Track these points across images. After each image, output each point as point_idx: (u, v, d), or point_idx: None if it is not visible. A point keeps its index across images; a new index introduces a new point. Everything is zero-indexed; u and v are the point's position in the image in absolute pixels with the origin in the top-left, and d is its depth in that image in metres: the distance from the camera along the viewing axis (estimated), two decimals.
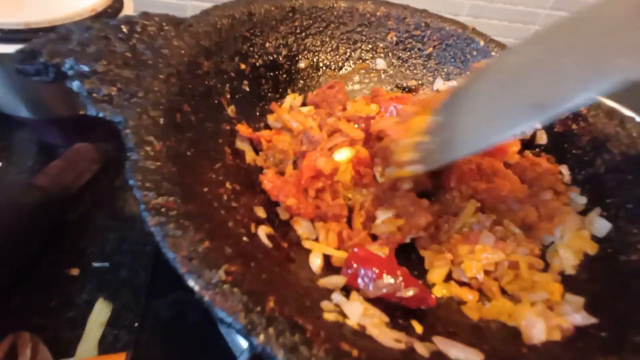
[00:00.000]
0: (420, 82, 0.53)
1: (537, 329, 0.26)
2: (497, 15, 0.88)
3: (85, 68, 0.29)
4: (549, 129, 0.46)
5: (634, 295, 0.30)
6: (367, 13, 0.50)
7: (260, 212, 0.34)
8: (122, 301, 0.39)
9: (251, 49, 0.43)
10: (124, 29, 0.33)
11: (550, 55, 0.29)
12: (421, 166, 0.34)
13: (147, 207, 0.23)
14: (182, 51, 0.35)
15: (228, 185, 0.33)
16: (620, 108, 0.43)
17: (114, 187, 0.50)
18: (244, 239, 0.29)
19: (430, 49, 0.52)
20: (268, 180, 0.35)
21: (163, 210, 0.23)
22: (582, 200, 0.39)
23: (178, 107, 0.32)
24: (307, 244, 0.34)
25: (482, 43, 0.50)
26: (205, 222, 0.25)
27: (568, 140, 0.43)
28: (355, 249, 0.31)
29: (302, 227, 0.35)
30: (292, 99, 0.46)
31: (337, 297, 0.28)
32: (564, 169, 0.42)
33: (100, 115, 0.27)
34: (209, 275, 0.21)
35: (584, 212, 0.38)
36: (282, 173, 0.39)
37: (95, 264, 0.42)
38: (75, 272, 0.41)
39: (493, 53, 0.49)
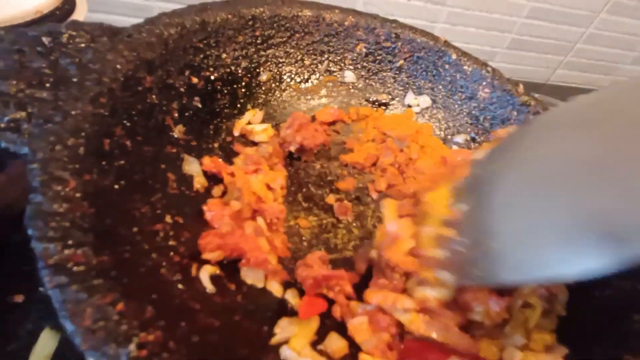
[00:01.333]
0: (391, 96, 0.50)
1: None
2: (474, 22, 0.87)
3: None
4: None
5: (610, 336, 0.27)
6: (335, 23, 0.47)
7: None
8: None
9: (205, 61, 0.39)
10: (45, 41, 0.29)
11: (612, 154, 0.20)
12: (452, 276, 0.26)
13: (46, 264, 0.19)
14: (118, 65, 0.31)
15: (168, 218, 0.29)
16: None
17: None
18: (179, 286, 0.25)
19: (401, 62, 0.49)
20: (209, 209, 0.32)
21: (68, 266, 0.19)
22: None
23: (107, 131, 0.28)
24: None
25: (454, 56, 0.47)
26: (125, 275, 0.21)
27: None
28: None
29: (246, 272, 0.31)
30: (251, 115, 0.43)
31: (286, 352, 0.25)
32: None
33: (3, 146, 0.23)
34: (116, 353, 0.17)
35: None
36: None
37: (42, 290, 0.38)
38: (18, 298, 0.36)
39: (465, 67, 0.47)
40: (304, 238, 0.37)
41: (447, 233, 0.27)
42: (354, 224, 0.39)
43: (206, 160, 0.36)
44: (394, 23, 0.48)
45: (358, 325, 0.28)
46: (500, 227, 0.24)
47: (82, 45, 0.30)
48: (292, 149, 0.42)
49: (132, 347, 0.18)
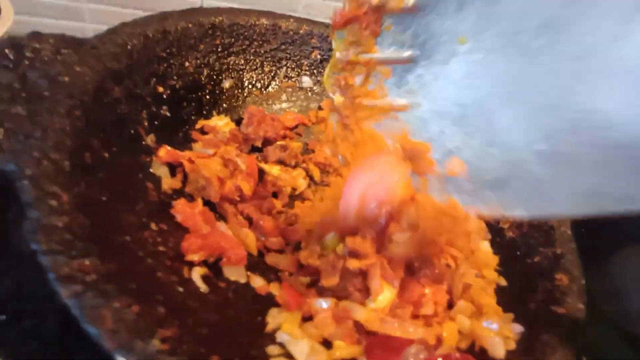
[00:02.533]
0: None
1: (499, 346, 0.29)
2: None
3: None
4: None
5: (540, 294, 0.34)
6: (290, 31, 0.50)
7: None
8: None
9: (169, 69, 0.40)
10: (10, 54, 0.28)
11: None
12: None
13: (57, 276, 0.20)
14: (86, 77, 0.31)
15: (153, 226, 0.30)
16: None
17: (7, 220, 0.42)
18: (178, 288, 0.26)
19: None
20: (177, 211, 0.33)
21: (78, 276, 0.20)
22: None
23: (86, 144, 0.28)
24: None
25: None
26: (131, 280, 0.23)
27: None
28: None
29: (228, 270, 0.32)
30: (218, 119, 0.44)
31: (282, 336, 0.28)
32: None
33: None
34: (142, 348, 0.19)
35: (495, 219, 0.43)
36: (207, 202, 0.36)
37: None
38: None
39: None
40: None
41: None
42: None
43: (161, 152, 0.36)
44: None
45: (322, 321, 0.29)
46: None
47: (47, 57, 0.30)
48: (258, 143, 0.44)
49: (155, 341, 0.19)
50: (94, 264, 0.21)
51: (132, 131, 0.34)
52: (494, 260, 0.38)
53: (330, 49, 0.52)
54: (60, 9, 0.66)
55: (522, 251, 0.39)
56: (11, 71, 0.27)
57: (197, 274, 0.29)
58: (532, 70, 0.23)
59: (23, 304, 0.36)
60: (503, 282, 0.37)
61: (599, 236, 0.41)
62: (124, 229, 0.27)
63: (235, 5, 0.63)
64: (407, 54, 0.28)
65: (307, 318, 0.30)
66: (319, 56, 0.52)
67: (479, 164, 0.27)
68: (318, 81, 0.53)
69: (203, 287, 0.29)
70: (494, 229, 0.42)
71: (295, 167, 0.45)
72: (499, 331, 0.29)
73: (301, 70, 0.52)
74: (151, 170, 0.35)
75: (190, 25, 0.42)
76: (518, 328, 0.30)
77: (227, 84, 0.46)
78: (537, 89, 0.24)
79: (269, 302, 0.31)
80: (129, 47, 0.36)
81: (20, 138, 0.24)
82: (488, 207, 0.27)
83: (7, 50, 0.28)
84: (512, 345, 0.29)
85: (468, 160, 0.27)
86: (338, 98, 0.30)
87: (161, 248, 0.29)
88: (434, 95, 0.28)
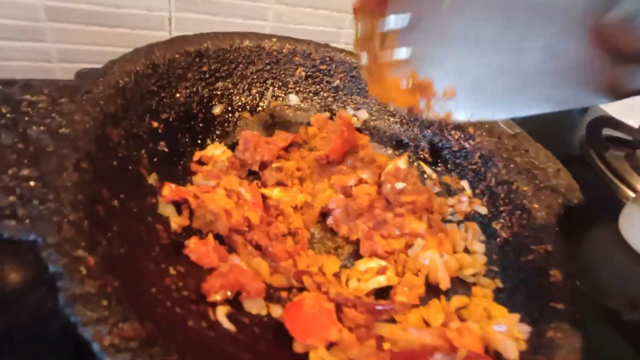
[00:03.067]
0: (332, 113, 0.55)
1: (512, 348, 0.31)
2: None
3: None
4: (447, 148, 0.53)
5: (538, 291, 0.37)
6: (274, 51, 0.50)
7: None
8: None
9: (161, 103, 0.40)
10: (5, 111, 0.27)
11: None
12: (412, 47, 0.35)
13: (103, 347, 0.20)
14: (87, 126, 0.30)
15: (172, 270, 0.30)
16: (497, 124, 0.52)
17: None
18: (210, 334, 0.27)
19: (338, 81, 0.54)
20: (191, 251, 0.33)
21: (122, 344, 0.20)
22: (484, 210, 0.47)
23: (97, 197, 0.28)
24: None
25: None
26: (170, 337, 0.23)
27: (464, 158, 0.51)
28: None
29: (249, 304, 0.33)
30: (213, 149, 0.44)
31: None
32: (465, 184, 0.49)
33: (6, 236, 0.22)
34: None
35: (488, 221, 0.46)
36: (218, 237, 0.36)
37: None
38: None
39: None
40: None
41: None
42: None
43: (165, 191, 0.36)
44: (327, 47, 0.53)
45: (347, 342, 0.30)
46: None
47: (44, 110, 0.29)
48: (255, 167, 0.44)
49: None
50: (135, 328, 0.21)
51: (135, 173, 0.34)
52: (477, 262, 0.41)
53: (314, 65, 0.53)
54: (19, 30, 0.62)
55: (515, 251, 0.42)
56: (10, 130, 0.26)
57: (222, 315, 0.30)
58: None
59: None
60: (499, 285, 0.40)
61: (571, 215, 0.45)
62: (148, 280, 0.27)
63: (205, 17, 0.62)
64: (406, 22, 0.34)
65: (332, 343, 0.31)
66: (303, 73, 0.53)
67: (462, 84, 0.35)
68: (305, 98, 0.54)
69: (231, 327, 0.29)
70: (487, 231, 0.45)
71: (292, 185, 0.46)
72: (508, 333, 0.32)
73: (287, 88, 0.53)
74: (158, 211, 0.34)
75: (176, 55, 0.42)
76: (526, 328, 0.33)
77: (217, 109, 0.46)
78: None
79: None
80: (121, 86, 0.35)
81: (35, 203, 0.24)
82: (469, 112, 0.35)
83: (2, 108, 0.27)
84: (523, 346, 0.32)
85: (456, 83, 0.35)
86: (364, 59, 0.36)
87: (184, 293, 0.29)
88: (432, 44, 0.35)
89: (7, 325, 0.33)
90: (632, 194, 0.63)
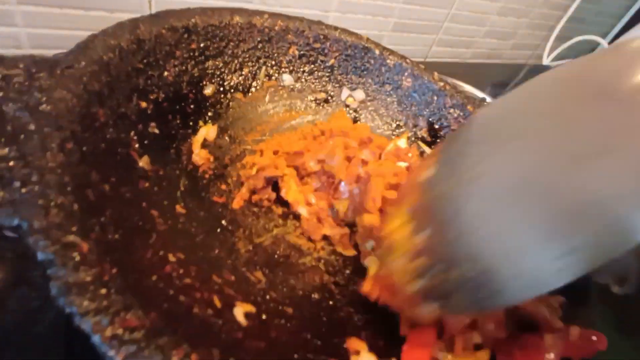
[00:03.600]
0: (328, 93, 0.53)
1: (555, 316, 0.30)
2: (362, 10, 0.94)
3: None
4: (446, 127, 0.51)
5: None
6: (266, 28, 0.48)
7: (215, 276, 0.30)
8: None
9: (149, 82, 0.37)
10: None
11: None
12: (438, 306, 0.25)
13: (104, 338, 0.18)
14: (70, 103, 0.27)
15: (171, 257, 0.28)
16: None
17: None
18: (218, 321, 0.25)
19: (333, 60, 0.52)
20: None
21: (126, 334, 0.18)
22: None
23: (86, 180, 0.25)
24: None
25: (377, 52, 0.53)
26: (176, 325, 0.21)
27: None
28: None
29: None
30: (206, 131, 0.41)
31: None
32: None
33: None
34: None
35: None
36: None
37: None
38: None
39: (388, 61, 0.53)
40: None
41: (418, 263, 0.26)
42: None
43: None
44: (320, 25, 0.51)
45: None
46: (480, 248, 0.23)
47: (21, 85, 0.26)
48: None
49: None
50: (139, 317, 0.19)
51: (125, 156, 0.31)
52: None
53: (307, 44, 0.51)
54: None
55: None
56: None
57: (240, 313, 0.28)
58: None
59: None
60: None
61: None
62: (147, 268, 0.25)
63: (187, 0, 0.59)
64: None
65: None
66: (296, 52, 0.51)
67: None
68: (299, 78, 0.52)
69: (244, 321, 0.27)
70: None
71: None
72: (545, 302, 0.31)
73: (280, 68, 0.50)
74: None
75: (163, 30, 0.39)
76: (560, 298, 0.32)
77: (209, 90, 0.44)
78: None
79: None
80: (105, 62, 0.32)
81: (17, 185, 0.21)
82: None
83: None
84: (560, 314, 0.31)
85: None
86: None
87: (187, 280, 0.27)
88: None
89: None
90: None
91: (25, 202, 0.21)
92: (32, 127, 0.24)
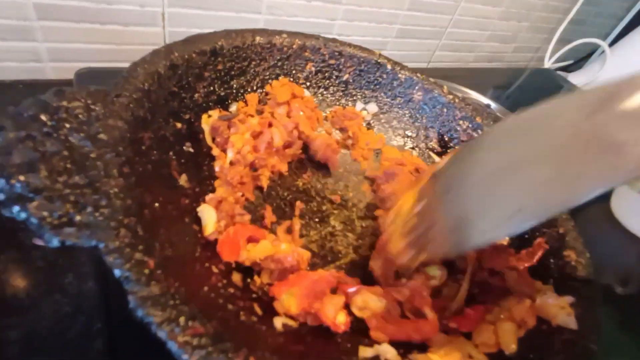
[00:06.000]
0: (343, 107, 0.56)
1: (569, 317, 0.33)
2: (366, 17, 0.97)
3: (19, 186, 0.23)
4: (456, 138, 0.54)
5: (556, 271, 0.39)
6: (285, 47, 0.51)
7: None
8: None
9: (182, 103, 0.40)
10: (45, 118, 0.27)
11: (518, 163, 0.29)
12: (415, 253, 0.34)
13: (179, 344, 0.21)
14: (121, 130, 0.30)
15: (214, 269, 0.31)
16: (504, 114, 0.54)
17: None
18: (262, 327, 0.28)
19: (347, 75, 0.55)
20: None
21: (195, 340, 0.21)
22: None
23: (142, 201, 0.28)
24: None
25: (389, 67, 0.55)
26: (233, 332, 0.24)
27: None
28: None
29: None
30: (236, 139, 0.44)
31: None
32: None
33: (68, 243, 0.22)
34: None
35: None
36: None
37: None
38: None
39: (400, 75, 0.55)
40: (314, 251, 0.41)
41: (410, 223, 0.35)
42: (348, 229, 0.45)
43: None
44: (335, 42, 0.54)
45: None
46: (470, 205, 0.32)
47: (82, 116, 0.29)
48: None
49: None
50: (204, 324, 0.22)
51: (167, 176, 0.34)
52: None
53: (323, 60, 0.54)
54: (7, 29, 0.60)
55: (529, 234, 0.44)
56: (52, 138, 0.26)
57: (279, 323, 0.30)
58: None
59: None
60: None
61: None
62: (198, 280, 0.28)
63: (198, 12, 0.62)
64: None
65: None
66: (313, 68, 0.54)
67: None
68: (315, 93, 0.54)
69: (280, 327, 0.30)
70: None
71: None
72: (557, 304, 0.34)
73: (298, 84, 0.53)
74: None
75: (193, 54, 0.42)
76: (569, 299, 0.34)
77: (234, 107, 0.46)
78: None
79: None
80: (146, 89, 0.35)
81: (90, 210, 0.24)
82: None
83: (42, 116, 0.27)
84: (573, 314, 0.33)
85: None
86: None
87: (230, 290, 0.30)
88: None
89: (27, 331, 0.34)
90: None
91: (98, 225, 0.24)
92: (93, 155, 0.27)
